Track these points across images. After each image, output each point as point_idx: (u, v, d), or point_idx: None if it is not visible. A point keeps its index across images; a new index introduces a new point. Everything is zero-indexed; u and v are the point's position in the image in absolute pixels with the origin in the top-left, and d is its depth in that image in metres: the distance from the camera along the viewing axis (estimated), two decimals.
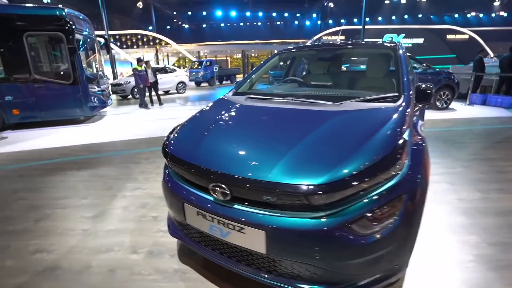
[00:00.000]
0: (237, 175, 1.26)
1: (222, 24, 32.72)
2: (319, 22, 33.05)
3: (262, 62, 2.82)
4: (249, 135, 1.60)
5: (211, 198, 1.36)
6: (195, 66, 17.77)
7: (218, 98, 2.33)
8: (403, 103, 1.71)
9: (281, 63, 6.46)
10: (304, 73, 3.51)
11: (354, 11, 30.12)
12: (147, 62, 8.67)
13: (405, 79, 1.93)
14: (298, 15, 32.83)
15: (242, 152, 1.44)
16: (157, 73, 9.38)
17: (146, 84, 8.46)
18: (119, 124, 6.64)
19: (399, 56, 2.18)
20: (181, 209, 1.48)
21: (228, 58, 32.24)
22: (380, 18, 30.38)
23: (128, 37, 22.47)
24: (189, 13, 29.38)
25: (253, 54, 32.66)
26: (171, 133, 1.83)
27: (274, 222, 1.20)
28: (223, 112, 1.93)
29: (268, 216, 1.22)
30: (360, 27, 27.96)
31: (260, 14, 32.50)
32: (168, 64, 24.50)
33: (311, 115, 1.72)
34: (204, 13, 30.24)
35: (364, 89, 2.22)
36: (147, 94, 8.89)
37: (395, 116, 1.55)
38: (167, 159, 1.60)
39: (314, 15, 32.00)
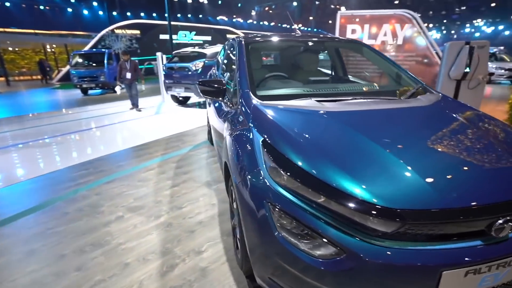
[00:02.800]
0: None
1: None
2: (101, 12, 28.76)
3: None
4: (430, 148, 1.28)
5: (479, 242, 0.98)
6: None
7: (265, 109, 1.57)
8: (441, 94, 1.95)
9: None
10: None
11: (142, 4, 28.85)
12: None
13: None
14: (72, 0, 26.64)
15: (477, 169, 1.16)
16: None
17: None
18: None
19: (375, 50, 2.39)
20: (432, 283, 0.94)
21: None
22: (166, 15, 31.12)
23: None
24: None
25: (10, 48, 23.34)
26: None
27: None
28: (338, 126, 1.42)
29: None
30: (155, 22, 27.48)
31: None
32: None
33: (417, 113, 1.60)
34: None
35: (371, 82, 2.30)
36: None
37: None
38: (401, 221, 0.92)
39: (95, 3, 27.35)
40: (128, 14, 30.04)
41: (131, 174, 3.23)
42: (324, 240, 1.04)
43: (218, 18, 35.35)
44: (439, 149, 1.25)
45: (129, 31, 22.54)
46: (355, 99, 1.74)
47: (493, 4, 31.39)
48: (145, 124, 5.87)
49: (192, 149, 4.11)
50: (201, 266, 1.78)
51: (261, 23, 38.23)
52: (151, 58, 21.05)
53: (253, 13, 31.91)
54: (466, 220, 0.99)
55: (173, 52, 7.51)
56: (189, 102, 8.18)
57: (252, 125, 1.49)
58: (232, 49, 2.87)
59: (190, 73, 6.67)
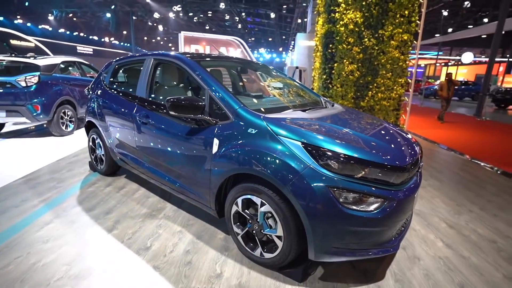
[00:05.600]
0: None
1: None
2: None
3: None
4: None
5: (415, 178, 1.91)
6: None
7: (281, 121, 1.83)
8: None
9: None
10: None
11: None
12: None
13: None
14: None
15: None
16: None
17: None
18: None
19: (281, 71, 3.15)
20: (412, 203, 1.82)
21: None
22: None
23: None
24: None
25: None
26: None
27: None
28: (336, 126, 1.96)
29: None
30: None
31: None
32: None
33: (349, 115, 2.39)
34: None
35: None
36: None
37: None
38: (408, 172, 1.58)
39: None
40: None
41: (19, 239, 2.20)
42: (374, 198, 1.56)
43: None
44: (380, 132, 2.08)
45: None
46: (311, 108, 2.34)
47: (270, 39, 42.98)
48: None
49: (85, 184, 3.24)
50: (239, 283, 1.76)
51: (61, 31, 31.67)
52: None
53: (51, 17, 25.74)
54: (416, 166, 1.85)
55: None
56: (3, 130, 5.86)
57: (278, 135, 1.72)
58: (158, 66, 2.69)
59: (16, 91, 4.86)
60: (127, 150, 2.93)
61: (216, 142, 1.97)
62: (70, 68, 6.36)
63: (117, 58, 3.34)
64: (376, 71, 7.30)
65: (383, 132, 2.11)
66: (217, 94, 2.06)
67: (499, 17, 9.77)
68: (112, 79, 3.27)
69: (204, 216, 2.56)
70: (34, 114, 5.00)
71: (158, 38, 42.82)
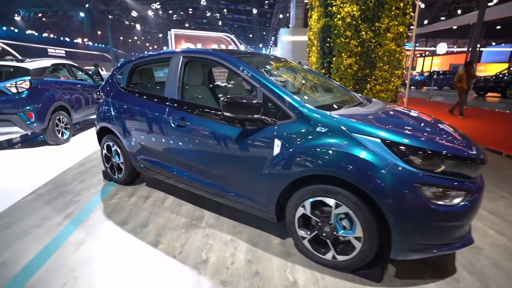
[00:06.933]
0: None
1: None
2: None
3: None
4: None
5: None
6: None
7: (352, 119, 1.74)
8: None
9: None
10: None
11: None
12: None
13: None
14: None
15: None
16: None
17: None
18: None
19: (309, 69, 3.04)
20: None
21: None
22: None
23: None
24: None
25: None
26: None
27: None
28: (397, 119, 2.01)
29: None
30: None
31: None
32: None
33: (398, 109, 2.33)
34: None
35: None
36: None
37: None
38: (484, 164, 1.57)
39: None
40: None
41: (57, 263, 1.97)
42: (457, 192, 1.52)
43: None
44: (442, 126, 2.01)
45: None
46: (361, 104, 2.26)
47: (250, 35, 42.85)
48: None
49: (105, 196, 2.99)
50: None
51: (29, 32, 29.70)
52: None
53: (17, 18, 23.92)
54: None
55: None
56: None
57: (353, 133, 1.63)
58: (189, 64, 2.50)
59: (5, 98, 4.42)
60: (155, 156, 2.72)
61: (277, 143, 1.85)
62: (60, 71, 5.93)
63: (132, 58, 3.10)
64: (373, 63, 7.39)
65: (443, 125, 2.06)
66: (273, 92, 1.92)
67: (480, 6, 10.22)
68: (130, 81, 3.03)
69: (249, 221, 2.44)
70: (28, 122, 4.59)
71: (135, 37, 41.34)
